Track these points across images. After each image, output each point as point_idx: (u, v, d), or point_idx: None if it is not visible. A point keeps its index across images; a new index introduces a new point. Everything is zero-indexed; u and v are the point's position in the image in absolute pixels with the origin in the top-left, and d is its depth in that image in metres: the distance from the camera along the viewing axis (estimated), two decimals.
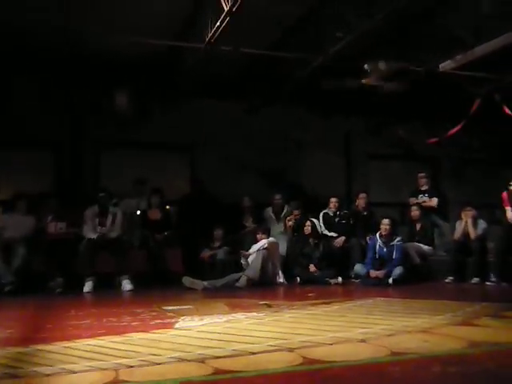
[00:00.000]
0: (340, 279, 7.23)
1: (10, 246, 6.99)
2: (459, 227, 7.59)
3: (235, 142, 9.48)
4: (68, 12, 6.34)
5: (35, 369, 2.77)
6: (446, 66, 7.24)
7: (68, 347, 3.27)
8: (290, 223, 8.04)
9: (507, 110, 7.96)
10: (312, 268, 7.34)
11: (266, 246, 7.17)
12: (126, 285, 6.98)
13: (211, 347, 3.17)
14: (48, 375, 2.65)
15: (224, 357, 2.94)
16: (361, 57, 7.41)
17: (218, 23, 6.03)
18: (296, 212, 8.15)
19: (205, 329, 3.72)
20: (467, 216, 7.52)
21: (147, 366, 2.80)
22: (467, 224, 7.47)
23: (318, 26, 6.89)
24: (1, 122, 8.08)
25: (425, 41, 7.30)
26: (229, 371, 2.68)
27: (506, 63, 7.65)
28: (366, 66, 7.27)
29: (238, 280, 6.92)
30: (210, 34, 6.43)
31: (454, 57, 7.03)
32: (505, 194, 7.56)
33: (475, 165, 10.81)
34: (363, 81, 7.50)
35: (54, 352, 3.15)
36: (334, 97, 8.81)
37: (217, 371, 2.66)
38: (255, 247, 7.25)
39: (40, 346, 3.31)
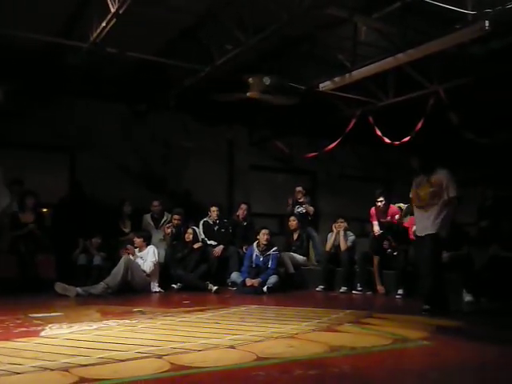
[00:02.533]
0: (217, 287, 7.31)
1: None
2: (331, 239, 8.04)
3: (119, 146, 9.26)
4: None
5: None
6: (325, 86, 7.66)
7: None
8: (169, 230, 8.02)
9: (378, 132, 8.59)
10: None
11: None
12: None
13: (77, 355, 3.10)
14: None
15: (90, 365, 2.89)
16: (247, 70, 7.62)
17: (104, 24, 5.91)
18: (176, 217, 8.11)
19: (72, 336, 3.62)
20: (339, 228, 7.97)
21: (6, 375, 2.67)
22: (339, 235, 7.93)
23: (208, 37, 6.99)
24: None
25: (307, 60, 7.68)
26: (94, 379, 2.64)
27: (379, 88, 8.29)
28: (250, 79, 7.48)
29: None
30: (94, 34, 6.27)
31: (333, 78, 7.46)
32: (373, 210, 8.13)
33: (348, 180, 11.51)
34: (248, 94, 7.70)
35: None
36: (220, 107, 8.95)
37: (81, 380, 2.62)
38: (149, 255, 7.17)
39: None
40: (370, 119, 8.60)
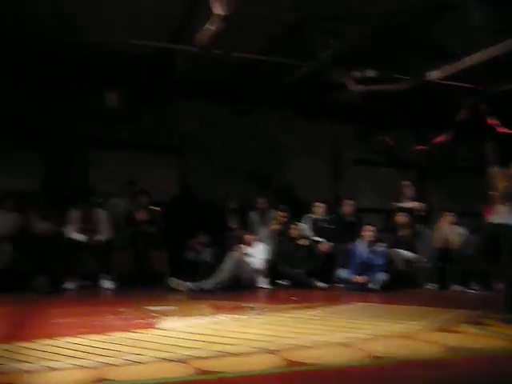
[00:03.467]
0: (324, 284, 7.27)
1: None
2: (441, 234, 7.69)
3: (223, 145, 9.49)
4: (60, 14, 6.34)
5: (17, 365, 2.78)
6: (433, 75, 7.33)
7: (50, 345, 3.28)
8: (276, 226, 8.08)
9: (491, 121, 8.07)
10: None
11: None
12: (107, 284, 7.02)
13: (194, 348, 3.20)
14: (30, 372, 2.67)
15: (207, 358, 2.97)
16: (350, 64, 7.48)
17: (211, 27, 6.06)
18: (282, 214, 8.17)
19: (188, 329, 3.75)
20: (449, 223, 7.62)
21: (130, 365, 2.82)
22: (449, 231, 7.57)
23: (310, 32, 6.94)
24: None
25: (413, 50, 7.38)
26: (211, 372, 2.71)
27: (491, 75, 7.78)
28: (355, 73, 7.34)
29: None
30: (201, 38, 6.46)
31: (442, 67, 7.12)
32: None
33: (460, 173, 10.92)
34: (352, 87, 7.56)
35: (35, 349, 3.16)
36: (323, 102, 8.88)
37: (199, 372, 2.70)
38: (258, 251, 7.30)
39: (22, 344, 3.32)
40: (482, 108, 8.11)
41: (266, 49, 7.40)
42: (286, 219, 8.13)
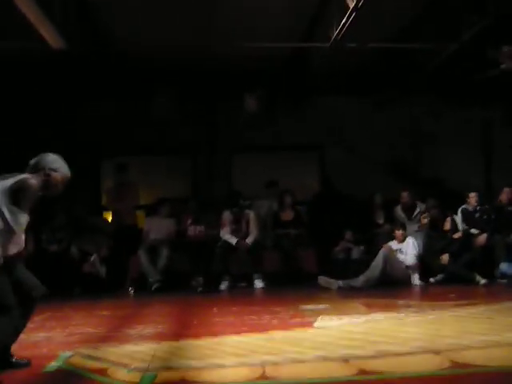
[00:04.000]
0: (484, 279, 6.76)
1: (154, 247, 7.54)
2: None
3: (365, 138, 9.29)
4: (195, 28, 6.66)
5: (187, 362, 2.95)
6: None
7: (215, 343, 3.45)
8: (425, 220, 7.70)
9: None
10: (444, 259, 6.95)
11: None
12: (258, 283, 7.23)
13: (353, 347, 3.16)
14: (200, 369, 2.82)
15: (368, 357, 2.91)
16: (496, 41, 6.88)
17: (344, 20, 5.96)
18: (431, 208, 7.78)
19: (345, 328, 3.72)
20: None
21: (292, 363, 2.86)
22: None
23: (448, 11, 6.52)
24: (144, 131, 8.75)
25: None
26: (373, 372, 2.65)
27: None
28: (505, 48, 6.73)
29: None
30: (335, 32, 6.38)
31: None
32: None
33: None
34: (502, 66, 6.96)
35: (203, 347, 3.34)
36: (471, 85, 8.29)
37: (361, 372, 2.65)
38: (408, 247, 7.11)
39: (189, 341, 3.53)
40: None
41: (403, 35, 7.08)
42: (436, 212, 7.71)
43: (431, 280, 7.09)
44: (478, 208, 7.74)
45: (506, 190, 7.82)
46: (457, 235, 7.27)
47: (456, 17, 6.52)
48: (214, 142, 9.39)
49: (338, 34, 6.41)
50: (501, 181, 8.89)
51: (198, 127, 9.22)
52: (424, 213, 7.85)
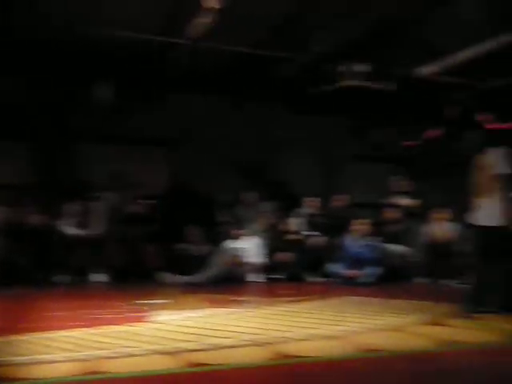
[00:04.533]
0: (316, 278, 7.32)
1: None
2: (432, 229, 7.74)
3: (215, 138, 9.48)
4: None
5: (15, 358, 2.80)
6: (425, 70, 7.36)
7: (47, 338, 3.31)
8: (266, 220, 8.10)
9: (482, 117, 8.11)
10: (283, 257, 7.38)
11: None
12: (100, 277, 7.06)
13: (186, 341, 3.24)
14: (28, 364, 2.69)
15: (198, 350, 3.01)
16: (342, 58, 7.49)
17: (204, 20, 6.06)
18: (273, 210, 8.20)
19: (181, 323, 3.78)
20: (440, 218, 7.67)
21: (122, 357, 2.85)
22: (440, 226, 7.63)
23: (304, 26, 6.95)
24: None
25: (406, 45, 7.41)
26: (202, 364, 2.75)
27: (483, 70, 7.83)
28: (347, 67, 7.35)
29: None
30: (195, 31, 6.45)
31: (434, 62, 7.15)
32: None
33: (450, 168, 10.96)
34: (343, 83, 7.58)
35: (35, 342, 3.19)
36: (317, 96, 8.88)
37: (190, 364, 2.73)
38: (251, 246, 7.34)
39: (19, 337, 3.34)
40: (473, 103, 8.16)
41: (260, 42, 7.38)
42: (278, 214, 8.15)
43: (272, 278, 7.47)
44: (316, 212, 8.32)
45: (341, 196, 8.54)
46: (293, 237, 7.72)
47: (308, 32, 6.98)
48: (61, 128, 8.90)
49: (197, 33, 6.51)
50: (337, 188, 9.68)
51: (43, 112, 8.68)
52: (266, 214, 8.24)
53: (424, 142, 8.99)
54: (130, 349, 3.01)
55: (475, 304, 4.39)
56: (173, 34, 7.08)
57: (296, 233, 7.89)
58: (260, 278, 7.34)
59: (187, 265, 7.55)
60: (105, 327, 3.68)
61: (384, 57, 7.57)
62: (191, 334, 3.46)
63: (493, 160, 4.57)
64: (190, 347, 3.06)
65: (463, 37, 6.75)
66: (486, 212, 4.60)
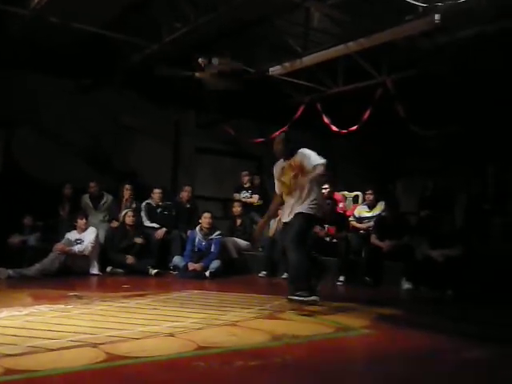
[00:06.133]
0: (155, 271, 7.14)
1: None
2: (274, 224, 8.00)
3: (63, 122, 8.81)
4: None
5: None
6: (275, 70, 7.57)
7: None
8: (111, 212, 7.82)
9: (326, 119, 8.60)
10: (130, 260, 7.16)
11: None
12: None
13: (4, 344, 2.90)
14: None
15: (18, 354, 2.71)
16: (197, 50, 7.40)
17: None
18: (128, 187, 8.03)
19: (0, 323, 3.39)
20: (280, 214, 7.96)
21: None
22: (280, 222, 7.92)
23: (157, 12, 6.72)
24: None
25: (259, 44, 7.57)
26: (21, 371, 2.47)
27: (328, 75, 8.29)
28: (200, 59, 7.28)
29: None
30: (36, 1, 5.90)
31: (283, 63, 7.38)
32: None
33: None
34: (197, 74, 7.51)
35: None
36: (167, 86, 8.69)
37: (7, 371, 2.44)
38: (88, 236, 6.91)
39: None
40: (319, 106, 8.61)
41: (112, 24, 6.98)
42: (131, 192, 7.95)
43: (108, 270, 7.16)
44: (160, 204, 8.16)
45: (187, 188, 8.49)
46: (139, 240, 7.45)
47: (163, 19, 6.77)
48: None
49: (38, 4, 5.96)
50: (185, 179, 9.61)
51: None
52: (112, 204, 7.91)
53: (270, 140, 9.25)
54: None
55: (296, 289, 4.56)
56: (13, 2, 6.39)
57: (140, 224, 7.66)
58: (99, 270, 6.98)
59: (18, 257, 6.95)
60: None
61: (237, 53, 7.64)
62: (11, 335, 3.12)
63: (300, 160, 4.79)
64: (8, 351, 2.74)
65: (312, 41, 7.06)
66: (287, 210, 4.93)
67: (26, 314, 3.84)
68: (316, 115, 8.60)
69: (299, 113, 8.67)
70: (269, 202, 8.90)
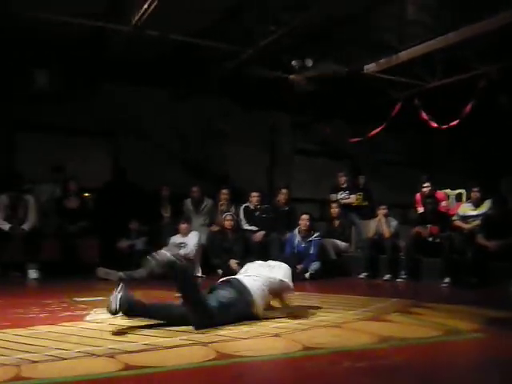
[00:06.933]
0: None
1: None
2: (373, 225, 7.86)
3: (160, 130, 9.27)
4: None
5: None
6: (370, 68, 7.44)
7: None
8: (223, 207, 8.03)
9: (424, 115, 8.32)
10: (233, 265, 7.29)
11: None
12: (32, 273, 6.73)
13: (123, 341, 3.08)
14: None
15: (135, 351, 2.85)
16: (290, 52, 7.45)
17: (146, 6, 5.85)
18: (225, 192, 8.19)
19: (117, 322, 3.60)
20: (381, 214, 7.81)
21: (52, 361, 2.66)
22: (381, 222, 7.76)
23: (250, 18, 6.86)
24: None
25: (352, 42, 7.47)
26: (140, 367, 2.60)
27: (426, 69, 8.01)
28: (293, 62, 7.32)
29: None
30: (136, 17, 6.23)
31: (378, 60, 7.24)
32: (418, 195, 7.91)
33: (391, 165, 11.23)
34: (290, 76, 7.56)
35: None
36: (260, 90, 8.84)
37: (127, 367, 2.58)
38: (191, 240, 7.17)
39: None
40: (416, 102, 8.33)
41: (206, 32, 7.21)
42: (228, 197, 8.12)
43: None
44: (258, 207, 8.27)
45: (284, 191, 8.53)
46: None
47: (255, 24, 6.89)
48: None
49: (138, 20, 6.29)
50: (281, 182, 9.68)
51: None
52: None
53: (367, 139, 9.10)
54: (61, 351, 2.82)
55: None
56: (113, 19, 6.81)
57: (239, 227, 7.81)
58: (201, 273, 7.21)
59: (127, 260, 7.33)
60: (35, 327, 3.46)
61: (329, 53, 7.60)
62: (128, 333, 3.30)
63: None
64: (127, 348, 2.90)
65: (406, 36, 6.87)
66: None
67: None
68: (414, 112, 8.33)
69: (396, 110, 8.45)
70: (373, 203, 8.81)
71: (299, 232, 7.48)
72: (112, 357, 2.73)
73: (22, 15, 6.39)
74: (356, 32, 7.21)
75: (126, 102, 8.92)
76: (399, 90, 8.66)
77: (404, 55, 6.90)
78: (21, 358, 2.67)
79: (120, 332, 3.33)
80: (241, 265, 7.20)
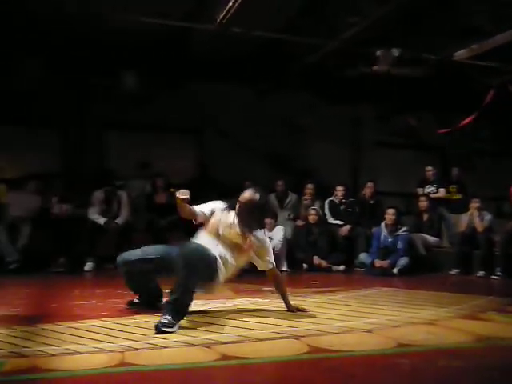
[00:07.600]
0: (343, 267, 7.22)
1: (15, 224, 7.00)
2: (466, 219, 7.55)
3: (242, 126, 9.37)
4: None
5: (41, 348, 2.76)
6: (460, 54, 7.12)
7: (73, 327, 3.27)
8: (307, 202, 8.04)
9: None
10: (316, 260, 7.27)
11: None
12: None
13: (217, 332, 3.16)
14: (53, 355, 2.64)
15: (230, 342, 2.93)
16: (373, 43, 7.28)
17: (230, 4, 5.93)
18: (310, 186, 8.20)
19: (211, 313, 3.71)
20: (473, 208, 7.48)
21: (153, 349, 2.79)
22: (473, 216, 7.44)
23: (330, 10, 6.76)
24: (6, 102, 7.95)
25: (440, 28, 7.17)
26: (235, 357, 2.66)
27: None
28: (378, 52, 7.14)
29: None
30: (221, 15, 6.33)
31: (470, 46, 6.90)
32: None
33: (483, 156, 10.69)
34: (375, 68, 7.38)
35: (59, 332, 3.15)
36: (344, 83, 8.70)
37: (223, 357, 2.65)
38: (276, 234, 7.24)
39: (45, 326, 3.30)
40: (511, 89, 7.87)
41: (286, 28, 7.20)
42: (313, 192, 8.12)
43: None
44: (343, 201, 8.18)
45: (369, 184, 8.38)
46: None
47: (337, 16, 6.79)
48: (86, 116, 8.88)
49: (223, 18, 6.38)
50: (366, 175, 9.50)
51: (68, 100, 8.66)
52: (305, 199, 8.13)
53: (458, 129, 8.70)
54: (160, 340, 2.94)
55: None
56: (198, 19, 6.95)
57: (323, 221, 7.77)
58: (287, 267, 7.24)
59: None
60: (132, 317, 3.63)
61: (416, 41, 7.34)
62: (221, 325, 3.39)
63: None
64: (221, 339, 2.98)
65: (500, 19, 6.49)
66: None
67: (230, 306, 4.16)
68: (508, 99, 7.87)
69: (488, 98, 8.02)
70: (467, 196, 8.45)
71: (385, 226, 7.33)
72: (208, 347, 2.82)
73: (110, 17, 6.67)
74: (445, 17, 6.90)
75: (209, 99, 9.10)
76: (492, 77, 8.20)
77: (498, 39, 6.52)
78: (124, 346, 2.81)
79: (214, 323, 3.42)
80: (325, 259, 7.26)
